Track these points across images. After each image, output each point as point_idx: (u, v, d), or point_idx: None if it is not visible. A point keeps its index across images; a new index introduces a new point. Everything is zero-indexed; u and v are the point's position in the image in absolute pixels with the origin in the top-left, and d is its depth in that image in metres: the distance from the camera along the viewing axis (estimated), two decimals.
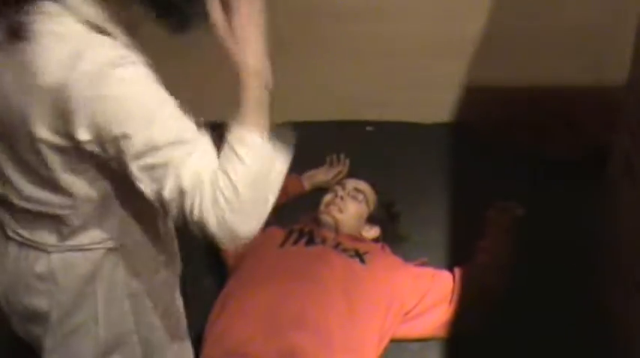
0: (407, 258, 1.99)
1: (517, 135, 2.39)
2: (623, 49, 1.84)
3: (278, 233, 1.90)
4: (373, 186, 2.08)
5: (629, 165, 1.77)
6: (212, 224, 0.99)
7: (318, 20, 2.38)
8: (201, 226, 1.00)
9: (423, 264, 1.93)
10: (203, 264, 1.98)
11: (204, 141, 1.03)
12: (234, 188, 0.99)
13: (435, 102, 2.54)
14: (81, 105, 0.98)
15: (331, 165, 2.33)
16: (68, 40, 1.00)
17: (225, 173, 1.00)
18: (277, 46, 2.35)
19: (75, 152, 1.04)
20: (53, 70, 0.98)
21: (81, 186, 1.09)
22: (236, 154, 1.02)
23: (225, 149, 1.03)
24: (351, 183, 2.05)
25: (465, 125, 2.53)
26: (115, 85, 0.98)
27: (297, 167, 2.33)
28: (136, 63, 1.01)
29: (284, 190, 2.12)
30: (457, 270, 1.81)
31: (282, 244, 1.83)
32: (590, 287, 1.90)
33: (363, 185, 2.05)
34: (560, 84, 2.40)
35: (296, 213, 2.13)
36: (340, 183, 2.08)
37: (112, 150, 1.01)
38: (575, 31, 2.30)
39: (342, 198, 1.96)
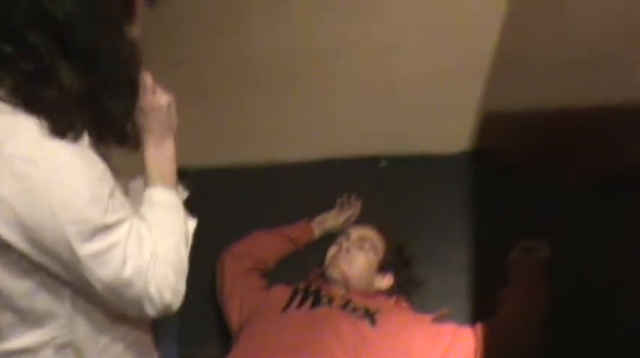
0: (425, 307, 1.85)
1: (542, 160, 2.21)
2: None
3: (283, 293, 1.76)
4: (380, 230, 1.93)
5: None
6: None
7: (324, 55, 2.25)
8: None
9: (444, 316, 1.77)
10: (206, 330, 1.85)
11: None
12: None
13: (451, 131, 2.38)
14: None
15: (342, 207, 2.18)
16: None
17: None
18: (283, 85, 2.27)
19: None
20: None
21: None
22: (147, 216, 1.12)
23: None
24: (356, 232, 1.89)
25: (485, 153, 2.36)
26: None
27: (308, 210, 2.26)
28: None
29: (293, 239, 2.03)
30: (479, 327, 1.64)
31: (286, 307, 1.69)
32: None
33: (368, 232, 1.90)
34: (585, 104, 2.22)
35: (306, 264, 2.00)
36: (344, 232, 1.92)
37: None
38: (593, 51, 2.11)
39: (347, 249, 1.82)
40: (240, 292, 1.85)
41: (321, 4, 2.11)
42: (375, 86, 2.31)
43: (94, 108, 1.01)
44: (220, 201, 2.34)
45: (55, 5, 0.92)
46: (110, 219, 1.00)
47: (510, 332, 1.60)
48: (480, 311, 1.80)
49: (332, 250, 1.86)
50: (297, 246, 2.07)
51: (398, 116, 2.35)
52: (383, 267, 1.85)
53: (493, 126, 2.32)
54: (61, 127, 0.97)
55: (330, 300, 1.70)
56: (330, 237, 2.07)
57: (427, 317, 1.70)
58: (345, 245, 1.83)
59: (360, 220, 2.15)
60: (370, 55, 2.22)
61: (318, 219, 2.13)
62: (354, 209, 2.17)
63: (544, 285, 1.71)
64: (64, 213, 0.95)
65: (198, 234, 1.63)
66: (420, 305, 1.86)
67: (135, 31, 1.06)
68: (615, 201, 1.99)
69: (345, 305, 1.67)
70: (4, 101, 0.96)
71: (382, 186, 2.34)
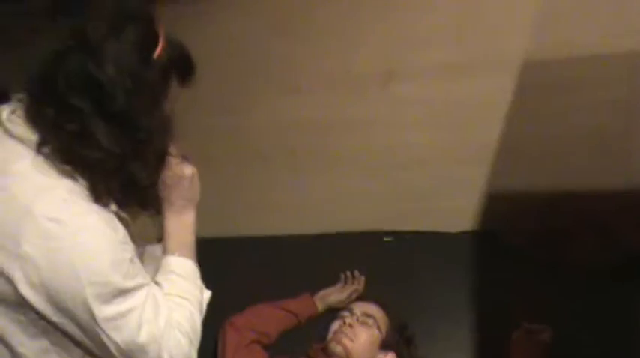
0: None
1: (543, 242, 2.24)
2: None
3: None
4: (384, 307, 1.94)
5: None
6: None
7: (328, 130, 2.32)
8: None
9: None
10: None
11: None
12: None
13: (455, 210, 2.42)
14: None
15: (346, 282, 2.20)
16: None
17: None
18: (289, 160, 2.33)
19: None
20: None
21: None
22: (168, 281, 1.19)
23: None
24: (360, 308, 1.91)
25: (489, 234, 2.39)
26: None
27: (311, 283, 2.28)
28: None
29: (295, 312, 2.05)
30: None
31: None
32: None
33: (373, 308, 1.92)
34: (585, 188, 2.27)
35: (307, 338, 2.01)
36: (348, 308, 1.94)
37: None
38: (596, 133, 2.18)
39: (350, 325, 1.83)
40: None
41: (326, 80, 2.20)
42: (378, 162, 2.37)
43: (123, 173, 1.07)
44: (222, 271, 2.35)
45: (99, 70, 0.99)
46: (129, 283, 1.05)
47: None
48: None
49: (335, 325, 1.87)
50: (299, 320, 2.08)
51: (401, 194, 2.41)
52: (385, 345, 1.85)
53: (495, 206, 2.36)
54: (98, 191, 1.05)
55: None
56: (333, 312, 2.09)
57: None
58: (348, 320, 1.84)
59: (363, 296, 2.17)
60: (374, 132, 2.29)
61: (321, 293, 2.15)
62: (357, 285, 2.19)
63: None
64: (86, 274, 0.99)
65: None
66: None
67: (168, 106, 1.13)
68: (619, 286, 2.01)
69: None
70: (48, 159, 1.02)
71: (386, 261, 2.36)
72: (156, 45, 1.09)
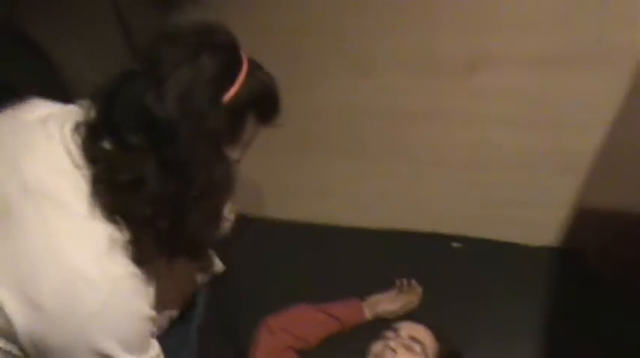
0: None
1: (635, 272, 1.92)
2: None
3: None
4: (435, 331, 1.69)
5: None
6: None
7: (401, 120, 2.07)
8: None
9: None
10: None
11: None
12: None
13: (538, 222, 2.13)
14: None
15: (400, 290, 1.97)
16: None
17: None
18: (354, 146, 2.10)
19: None
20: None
21: None
22: None
23: None
24: (407, 329, 1.66)
25: (571, 253, 2.09)
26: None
27: (361, 284, 2.06)
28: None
29: (340, 318, 1.84)
30: None
31: None
32: None
33: (422, 332, 1.66)
34: None
35: (349, 347, 1.79)
36: (393, 327, 1.70)
37: None
38: None
39: (394, 350, 1.59)
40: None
41: (401, 63, 1.94)
42: (454, 159, 2.11)
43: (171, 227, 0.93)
44: (274, 255, 2.21)
45: (158, 103, 0.85)
46: None
47: None
48: None
49: (377, 347, 1.64)
50: (343, 327, 1.87)
51: (477, 197, 2.14)
52: None
53: (585, 224, 2.06)
54: (141, 245, 0.92)
55: None
56: (383, 322, 1.87)
57: None
58: (392, 343, 1.61)
59: (418, 310, 1.93)
60: (452, 125, 2.03)
61: (371, 299, 1.93)
62: (413, 295, 1.95)
63: None
64: (92, 345, 0.89)
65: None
66: None
67: (236, 154, 0.97)
68: None
69: None
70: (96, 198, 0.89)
71: (450, 271, 2.11)
72: (235, 78, 0.92)
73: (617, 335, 1.80)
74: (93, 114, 0.93)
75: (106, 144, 0.90)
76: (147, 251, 0.94)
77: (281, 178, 2.30)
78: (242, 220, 2.34)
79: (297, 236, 2.29)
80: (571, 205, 2.05)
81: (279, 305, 1.89)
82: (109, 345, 0.90)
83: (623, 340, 1.80)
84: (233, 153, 0.97)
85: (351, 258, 2.18)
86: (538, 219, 2.11)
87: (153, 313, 0.97)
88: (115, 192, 0.89)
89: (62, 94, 1.09)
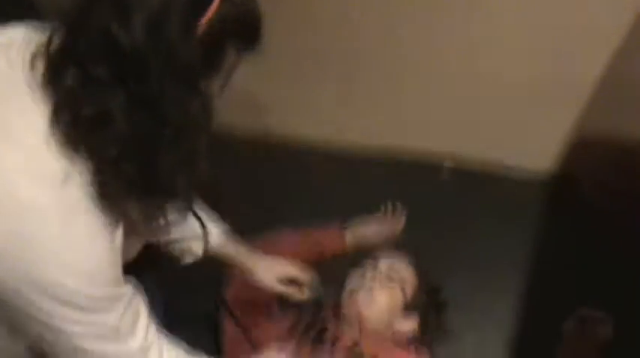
0: None
1: (631, 205, 1.85)
2: None
3: (282, 323, 1.51)
4: (415, 265, 1.63)
5: None
6: None
7: (408, 45, 1.94)
8: None
9: None
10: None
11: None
12: None
13: (532, 150, 2.04)
14: None
15: (384, 218, 1.90)
16: None
17: None
18: (349, 65, 1.98)
19: None
20: None
21: None
22: None
23: None
24: (386, 263, 1.60)
25: (565, 181, 2.01)
26: None
27: (347, 208, 2.00)
28: None
29: (320, 245, 1.78)
30: None
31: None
32: None
33: (401, 265, 1.60)
34: None
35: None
36: (371, 262, 1.64)
37: None
38: None
39: (371, 286, 1.54)
40: (246, 299, 1.63)
41: None
42: (452, 86, 2.00)
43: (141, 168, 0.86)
44: (250, 178, 2.14)
45: (123, 34, 0.78)
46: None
47: None
48: None
49: (354, 281, 1.58)
50: (323, 254, 1.81)
51: (473, 122, 2.04)
52: (409, 308, 1.56)
53: (581, 153, 1.97)
54: (108, 191, 0.86)
55: (334, 341, 1.45)
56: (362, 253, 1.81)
57: None
58: (369, 283, 1.56)
59: (400, 239, 1.88)
60: (453, 51, 1.91)
61: (353, 226, 1.86)
62: (398, 224, 1.88)
63: None
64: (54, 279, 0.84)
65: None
66: None
67: (215, 87, 0.89)
68: None
69: (350, 348, 1.41)
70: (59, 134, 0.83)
71: (438, 197, 2.04)
72: (209, 4, 0.82)
73: (607, 267, 1.76)
74: (56, 41, 0.84)
75: (70, 76, 0.82)
76: (111, 190, 0.87)
77: (265, 93, 2.19)
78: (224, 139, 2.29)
79: (278, 157, 2.22)
80: (568, 134, 1.96)
81: (256, 231, 1.82)
82: (69, 282, 0.84)
83: (611, 271, 1.75)
84: (211, 87, 0.88)
85: (334, 181, 2.12)
86: (534, 147, 2.03)
87: (116, 247, 0.90)
88: (77, 127, 0.82)
89: (31, 11, 0.99)
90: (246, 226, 1.87)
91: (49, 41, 0.84)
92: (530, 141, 2.03)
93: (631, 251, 1.77)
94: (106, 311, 0.89)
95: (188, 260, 1.37)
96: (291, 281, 1.45)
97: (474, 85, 1.98)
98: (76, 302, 0.85)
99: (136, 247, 1.09)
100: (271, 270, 1.40)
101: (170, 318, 1.15)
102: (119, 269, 0.91)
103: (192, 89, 0.84)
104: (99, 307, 0.88)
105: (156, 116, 0.82)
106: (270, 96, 2.15)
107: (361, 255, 1.72)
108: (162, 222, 0.95)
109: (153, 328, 0.98)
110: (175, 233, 1.31)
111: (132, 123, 0.81)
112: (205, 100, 0.86)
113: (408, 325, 1.56)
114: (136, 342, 0.94)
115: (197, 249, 1.35)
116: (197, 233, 1.30)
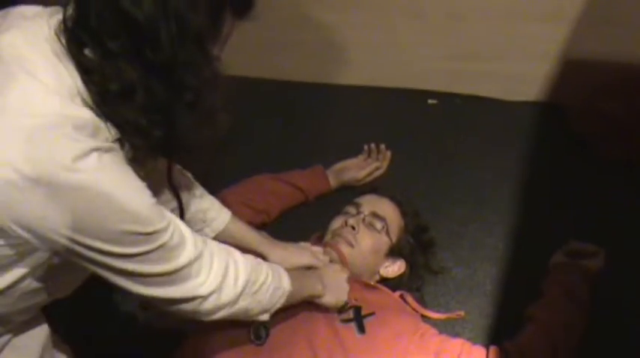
0: (438, 301, 1.55)
1: (618, 132, 1.79)
2: None
3: None
4: (401, 205, 1.58)
5: None
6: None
7: None
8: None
9: (457, 318, 1.48)
10: None
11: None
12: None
13: (519, 75, 1.96)
14: None
15: (369, 156, 1.85)
16: None
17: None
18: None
19: None
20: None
21: None
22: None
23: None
24: (369, 205, 1.55)
25: (554, 108, 1.95)
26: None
27: (330, 146, 1.94)
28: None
29: (303, 188, 1.73)
30: (492, 351, 1.32)
31: None
32: None
33: (385, 207, 1.55)
34: None
35: (312, 222, 1.70)
36: (355, 202, 1.58)
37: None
38: None
39: (353, 227, 1.49)
40: None
41: None
42: (430, 9, 1.89)
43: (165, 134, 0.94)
44: (240, 115, 2.05)
45: (134, 8, 0.83)
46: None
47: None
48: (505, 318, 1.48)
49: (336, 222, 1.54)
50: (307, 197, 1.76)
51: (454, 49, 1.96)
52: (394, 251, 1.53)
53: (569, 77, 1.89)
54: (138, 155, 0.96)
55: None
56: (349, 191, 1.77)
57: (432, 330, 1.38)
58: (351, 221, 1.50)
59: (385, 175, 1.83)
60: None
61: (336, 166, 1.81)
62: (381, 161, 1.83)
63: (581, 311, 1.37)
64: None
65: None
66: (433, 298, 1.55)
67: (216, 50, 0.94)
68: None
69: None
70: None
71: (425, 130, 1.98)
72: None
73: (596, 195, 1.72)
74: (72, 17, 0.89)
75: (90, 51, 0.88)
76: (141, 153, 0.97)
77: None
78: None
79: (261, 93, 2.14)
80: (555, 57, 1.88)
81: (235, 175, 1.77)
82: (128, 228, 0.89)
83: (601, 199, 1.71)
84: (214, 50, 0.94)
85: (318, 119, 2.05)
86: (519, 73, 1.95)
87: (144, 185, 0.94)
88: (106, 102, 0.89)
89: None
90: (230, 169, 1.85)
91: (65, 17, 0.89)
92: (515, 68, 1.95)
93: (620, 178, 1.74)
94: (160, 237, 0.94)
95: None
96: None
97: (454, 13, 1.89)
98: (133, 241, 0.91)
99: None
100: (287, 262, 1.37)
101: None
102: (159, 207, 0.96)
103: (203, 54, 0.90)
104: (152, 239, 0.93)
105: (173, 83, 0.89)
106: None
107: (345, 198, 1.68)
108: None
109: (199, 237, 1.04)
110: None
111: (153, 92, 0.88)
112: (214, 63, 0.92)
113: (394, 270, 1.53)
114: (189, 254, 0.99)
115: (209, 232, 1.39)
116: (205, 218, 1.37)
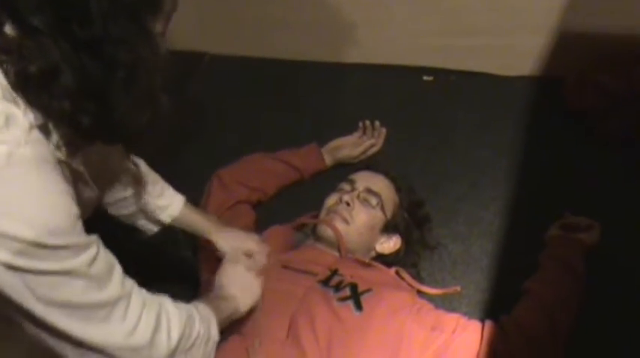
0: (435, 277, 1.55)
1: (618, 109, 1.77)
2: None
3: None
4: (395, 181, 1.58)
5: None
6: None
7: None
8: None
9: (453, 293, 1.48)
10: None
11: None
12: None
13: (514, 49, 1.94)
14: None
15: (364, 133, 1.84)
16: None
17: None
18: None
19: None
20: None
21: None
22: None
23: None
24: (364, 181, 1.54)
25: (550, 83, 1.93)
26: None
27: (324, 123, 1.93)
28: None
29: (298, 167, 1.73)
30: (488, 326, 1.32)
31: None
32: None
33: (380, 183, 1.54)
34: None
35: (308, 200, 1.69)
36: (349, 179, 1.58)
37: None
38: None
39: (348, 203, 1.49)
40: None
41: None
42: None
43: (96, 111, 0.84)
44: (237, 94, 2.07)
45: None
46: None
47: (522, 340, 1.29)
48: (501, 293, 1.48)
49: (330, 199, 1.53)
50: (302, 176, 1.76)
51: (452, 25, 1.94)
52: (389, 227, 1.52)
53: (565, 50, 1.87)
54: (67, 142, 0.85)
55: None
56: (344, 168, 1.76)
57: (429, 305, 1.38)
58: (346, 197, 1.50)
59: (381, 152, 1.82)
60: None
61: (331, 144, 1.81)
62: (376, 138, 1.83)
63: (578, 283, 1.37)
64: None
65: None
66: (429, 274, 1.55)
67: (159, 26, 0.86)
68: None
69: (328, 278, 1.36)
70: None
71: (420, 106, 1.98)
72: None
73: (593, 169, 1.71)
74: None
75: (9, 29, 0.78)
76: (71, 140, 0.87)
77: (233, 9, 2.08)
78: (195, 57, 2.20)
79: (255, 71, 2.13)
80: (551, 29, 1.86)
81: (231, 154, 1.76)
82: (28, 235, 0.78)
83: (597, 173, 1.71)
84: (155, 26, 0.86)
85: (313, 96, 2.04)
86: (514, 46, 1.92)
87: (73, 196, 0.86)
88: (26, 85, 0.79)
89: None
90: (227, 147, 1.85)
91: None
92: (509, 42, 1.93)
93: (617, 154, 1.73)
94: (73, 258, 0.84)
95: (150, 231, 1.38)
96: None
97: None
98: (37, 253, 0.80)
99: (90, 205, 1.07)
100: (229, 243, 1.37)
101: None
102: (79, 221, 0.86)
103: (139, 29, 0.82)
104: (63, 256, 0.82)
105: (104, 60, 0.80)
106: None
107: (340, 176, 1.67)
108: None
109: (129, 279, 0.94)
110: (131, 206, 1.32)
111: (81, 72, 0.79)
112: (154, 39, 0.84)
113: (389, 246, 1.53)
114: (114, 290, 0.89)
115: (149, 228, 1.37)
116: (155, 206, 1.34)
